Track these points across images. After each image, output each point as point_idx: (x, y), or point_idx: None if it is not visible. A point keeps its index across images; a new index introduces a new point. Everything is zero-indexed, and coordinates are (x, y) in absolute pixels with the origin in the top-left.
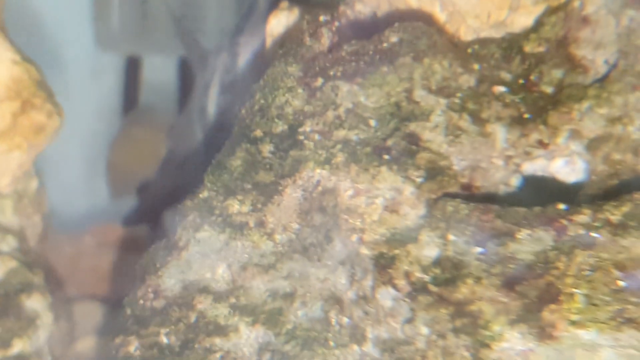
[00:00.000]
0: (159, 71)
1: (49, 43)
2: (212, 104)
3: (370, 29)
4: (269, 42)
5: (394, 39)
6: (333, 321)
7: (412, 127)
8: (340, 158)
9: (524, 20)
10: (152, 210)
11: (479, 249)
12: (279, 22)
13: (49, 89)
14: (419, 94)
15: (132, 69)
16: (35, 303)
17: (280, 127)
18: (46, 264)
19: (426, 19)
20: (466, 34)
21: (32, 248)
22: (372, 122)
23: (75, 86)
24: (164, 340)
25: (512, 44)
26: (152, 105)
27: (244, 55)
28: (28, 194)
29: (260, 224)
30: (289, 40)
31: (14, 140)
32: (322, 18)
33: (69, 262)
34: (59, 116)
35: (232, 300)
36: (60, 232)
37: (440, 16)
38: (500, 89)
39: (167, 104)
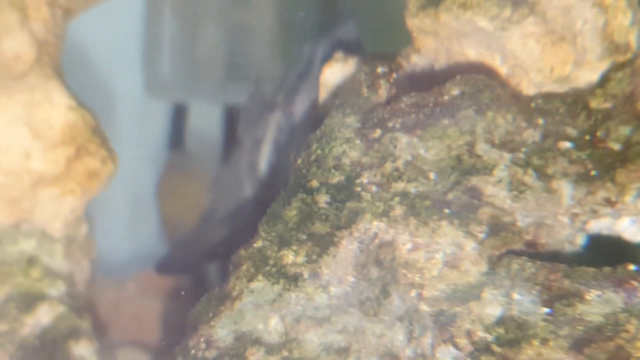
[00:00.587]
0: (204, 118)
1: (99, 88)
2: (263, 160)
3: (427, 81)
4: (322, 92)
5: (455, 91)
6: None
7: (474, 181)
8: (398, 211)
9: (588, 76)
10: (190, 261)
11: (545, 309)
12: (333, 73)
13: (103, 134)
14: (481, 147)
15: (178, 115)
16: (82, 349)
17: (337, 177)
18: (93, 308)
19: (487, 72)
20: (528, 88)
21: (80, 293)
22: (432, 175)
23: (123, 131)
24: None
25: (577, 100)
26: (196, 152)
27: (299, 115)
28: (78, 239)
29: (315, 275)
30: (345, 91)
31: (67, 185)
32: (379, 69)
33: (112, 308)
34: (113, 162)
35: (285, 353)
36: (103, 276)
37: (501, 69)
38: (566, 144)
39: (210, 150)
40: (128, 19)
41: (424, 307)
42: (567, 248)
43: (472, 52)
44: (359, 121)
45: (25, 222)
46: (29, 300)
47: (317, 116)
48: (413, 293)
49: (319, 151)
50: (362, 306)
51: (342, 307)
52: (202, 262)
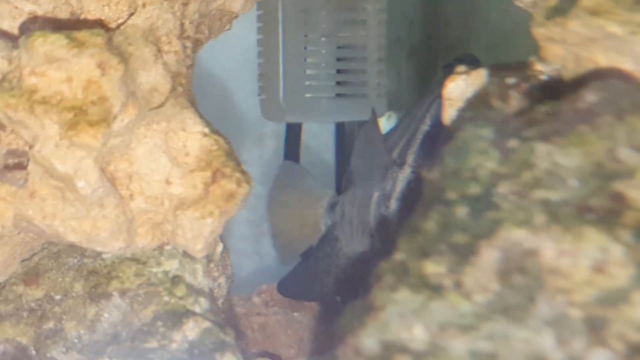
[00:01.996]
0: (318, 135)
1: (221, 113)
2: (391, 214)
3: (558, 89)
4: (446, 106)
5: (591, 98)
6: None
7: (616, 185)
8: (539, 218)
9: None
10: (311, 288)
11: None
12: (457, 87)
13: (236, 158)
14: (622, 152)
15: (293, 133)
16: None
17: (474, 189)
18: (233, 323)
19: (619, 76)
20: None
21: (220, 309)
22: (572, 182)
23: (242, 152)
24: None
25: None
26: (311, 169)
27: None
28: (215, 258)
29: (458, 284)
30: (474, 104)
31: (206, 208)
32: (508, 80)
33: (241, 321)
34: (248, 184)
35: (431, 359)
36: (232, 292)
37: (634, 73)
38: None
39: (324, 166)
40: (244, 45)
41: (573, 312)
42: None
43: (601, 58)
44: (493, 132)
45: (167, 244)
46: (175, 318)
47: (443, 132)
48: (560, 298)
49: (453, 164)
50: (507, 313)
51: (487, 314)
52: (324, 291)
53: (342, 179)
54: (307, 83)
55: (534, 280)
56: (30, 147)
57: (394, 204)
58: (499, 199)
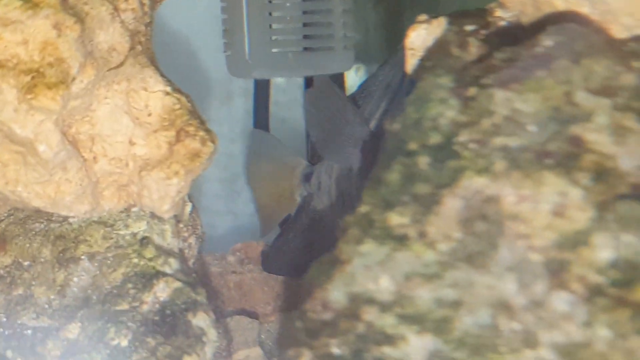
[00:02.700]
0: (286, 92)
1: (185, 71)
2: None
3: (517, 34)
4: (408, 56)
5: (548, 42)
6: (502, 327)
7: (574, 129)
8: (500, 165)
9: None
10: (297, 263)
11: None
12: (419, 35)
13: (200, 117)
14: (579, 95)
15: (261, 90)
16: (200, 321)
17: (434, 138)
18: (203, 282)
19: (577, 20)
20: (620, 32)
21: (191, 269)
22: (531, 128)
23: (211, 110)
24: (335, 350)
25: None
26: (280, 131)
27: None
28: (184, 218)
29: (422, 234)
30: (435, 52)
31: (171, 168)
32: (467, 28)
33: (216, 280)
34: (213, 142)
35: (398, 309)
36: (206, 252)
37: (591, 15)
38: None
39: (295, 122)
40: (208, 1)
41: (534, 256)
42: None
43: (559, 2)
44: (453, 81)
45: (134, 206)
46: (146, 280)
47: (406, 81)
48: (521, 244)
49: (414, 114)
50: (471, 260)
51: (450, 262)
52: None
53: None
54: (272, 38)
55: (495, 226)
56: None
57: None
58: (460, 147)
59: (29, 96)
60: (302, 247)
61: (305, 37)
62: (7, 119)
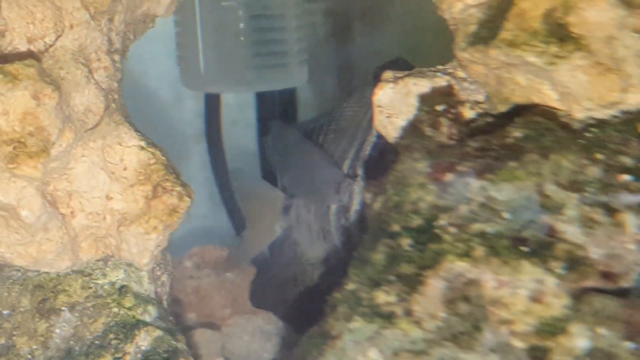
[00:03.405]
0: (237, 106)
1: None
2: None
3: (484, 119)
4: (376, 112)
5: (517, 134)
6: None
7: (546, 219)
8: (479, 251)
9: (634, 99)
10: (284, 300)
11: (630, 344)
12: (386, 94)
13: (176, 170)
14: (549, 188)
15: (212, 104)
16: None
17: (416, 221)
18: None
19: (541, 112)
20: (579, 112)
21: (167, 311)
22: (506, 215)
23: (160, 120)
24: None
25: (627, 125)
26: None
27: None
28: (157, 259)
29: (408, 312)
30: (409, 132)
31: (149, 223)
32: (438, 107)
33: (174, 286)
34: (189, 197)
35: None
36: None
37: (551, 94)
38: (626, 177)
39: (246, 124)
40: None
41: (516, 342)
42: (638, 270)
43: (521, 79)
44: (430, 166)
45: (111, 257)
46: (127, 329)
47: (382, 146)
48: (504, 328)
49: (395, 197)
50: (456, 339)
51: (436, 340)
52: (297, 303)
53: (280, 182)
54: (227, 53)
55: (478, 309)
56: None
57: (353, 215)
58: (440, 231)
59: (11, 166)
60: (286, 283)
61: (260, 52)
62: None
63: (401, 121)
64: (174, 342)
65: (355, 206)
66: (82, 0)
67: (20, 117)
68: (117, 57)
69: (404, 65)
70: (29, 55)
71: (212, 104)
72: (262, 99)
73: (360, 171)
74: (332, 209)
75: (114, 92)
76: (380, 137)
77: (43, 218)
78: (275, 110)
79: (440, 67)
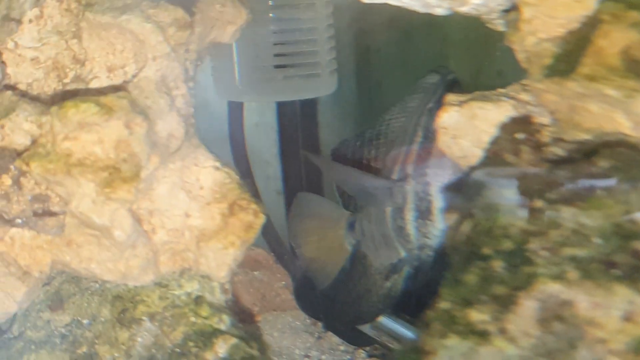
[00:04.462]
0: (260, 113)
1: None
2: (410, 226)
3: (562, 146)
4: (441, 134)
5: (604, 164)
6: None
7: (636, 244)
8: (573, 274)
9: None
10: (356, 320)
11: None
12: (450, 117)
13: (247, 189)
14: (638, 216)
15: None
16: None
17: (507, 244)
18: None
19: (625, 145)
20: None
21: (238, 320)
22: (597, 240)
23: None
24: None
25: None
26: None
27: (436, 185)
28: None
29: (502, 330)
30: (490, 159)
31: (227, 239)
32: (518, 135)
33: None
34: (263, 214)
35: None
36: None
37: (625, 122)
38: None
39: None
40: None
41: (612, 359)
42: None
43: (594, 108)
44: (516, 193)
45: (188, 269)
46: (205, 338)
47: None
48: (599, 347)
49: (485, 222)
50: (551, 356)
51: (531, 357)
52: (372, 312)
53: (349, 203)
54: (261, 64)
55: (572, 328)
56: (67, 203)
57: (408, 215)
58: (532, 254)
59: (107, 190)
60: (363, 294)
61: (293, 63)
62: (85, 209)
63: (466, 142)
64: (249, 349)
65: (409, 205)
66: (164, 34)
67: (114, 145)
68: (192, 84)
69: (444, 72)
70: (116, 84)
71: (235, 107)
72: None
73: (410, 172)
74: (388, 212)
75: (191, 117)
76: (426, 137)
77: (133, 237)
78: (296, 114)
79: (501, 90)
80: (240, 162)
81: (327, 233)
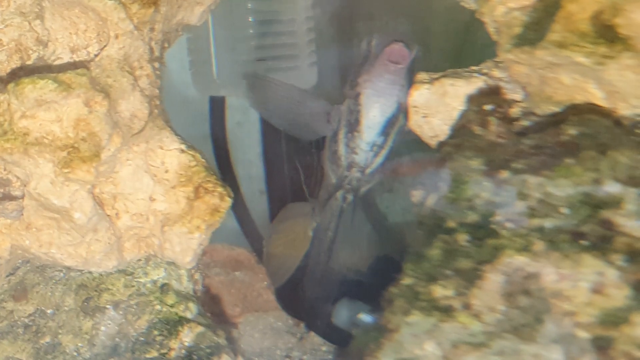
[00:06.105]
0: (242, 112)
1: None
2: (341, 144)
3: (532, 117)
4: (412, 113)
5: (573, 131)
6: None
7: (605, 214)
8: (539, 245)
9: None
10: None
11: None
12: (421, 94)
13: (215, 172)
14: (607, 183)
15: (217, 106)
16: None
17: (472, 217)
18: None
19: (594, 110)
20: (625, 110)
21: (205, 309)
22: (564, 210)
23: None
24: None
25: None
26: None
27: (365, 92)
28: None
29: (466, 306)
30: (458, 131)
31: (193, 222)
32: (486, 107)
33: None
34: (229, 197)
35: None
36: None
37: (596, 92)
38: None
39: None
40: None
41: (580, 332)
42: None
43: (566, 78)
44: (483, 164)
45: (154, 256)
46: (170, 326)
47: (408, 136)
48: (567, 320)
49: (450, 194)
50: (517, 331)
51: (496, 332)
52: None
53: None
54: (239, 57)
55: (539, 302)
56: (25, 184)
57: (340, 134)
58: (497, 226)
59: (65, 170)
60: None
61: (271, 56)
62: (44, 190)
63: (437, 120)
64: (216, 338)
65: (342, 123)
66: (127, 12)
67: (73, 123)
68: (157, 65)
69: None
70: (79, 65)
71: (217, 106)
72: None
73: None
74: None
75: (156, 98)
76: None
77: (94, 219)
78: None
79: (474, 67)
80: (223, 161)
81: (295, 228)
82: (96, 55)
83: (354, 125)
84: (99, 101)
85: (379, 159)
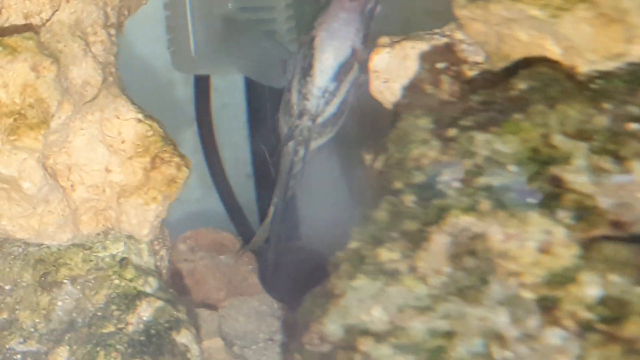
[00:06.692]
0: (225, 78)
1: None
2: (294, 91)
3: (485, 74)
4: (373, 78)
5: (522, 86)
6: (496, 355)
7: (554, 170)
8: (485, 205)
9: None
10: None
11: None
12: (382, 59)
13: (173, 142)
14: (556, 138)
15: (202, 85)
16: (183, 338)
17: (418, 177)
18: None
19: (546, 63)
20: (583, 66)
21: (168, 284)
22: (512, 168)
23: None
24: None
25: (633, 76)
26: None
27: (320, 34)
28: (156, 233)
29: (412, 269)
30: (409, 90)
31: (149, 194)
32: (438, 65)
33: (172, 269)
34: (187, 167)
35: (393, 340)
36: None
37: (554, 48)
38: (633, 125)
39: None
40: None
41: (525, 293)
42: None
43: (522, 35)
44: (432, 122)
45: (111, 229)
46: (128, 300)
47: (368, 100)
48: (512, 280)
49: (397, 154)
50: (462, 293)
51: (442, 295)
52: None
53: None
54: (217, 34)
55: (484, 263)
56: None
57: (294, 81)
58: (444, 186)
59: (12, 137)
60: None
61: (249, 32)
62: None
63: (398, 85)
64: (176, 313)
65: (297, 69)
66: None
67: (20, 89)
68: (113, 31)
69: None
70: (27, 29)
71: (201, 88)
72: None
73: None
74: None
75: (111, 66)
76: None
77: (44, 190)
78: (265, 95)
79: (437, 30)
80: (208, 144)
81: None
82: (47, 21)
83: (306, 70)
84: (47, 66)
85: (331, 108)
